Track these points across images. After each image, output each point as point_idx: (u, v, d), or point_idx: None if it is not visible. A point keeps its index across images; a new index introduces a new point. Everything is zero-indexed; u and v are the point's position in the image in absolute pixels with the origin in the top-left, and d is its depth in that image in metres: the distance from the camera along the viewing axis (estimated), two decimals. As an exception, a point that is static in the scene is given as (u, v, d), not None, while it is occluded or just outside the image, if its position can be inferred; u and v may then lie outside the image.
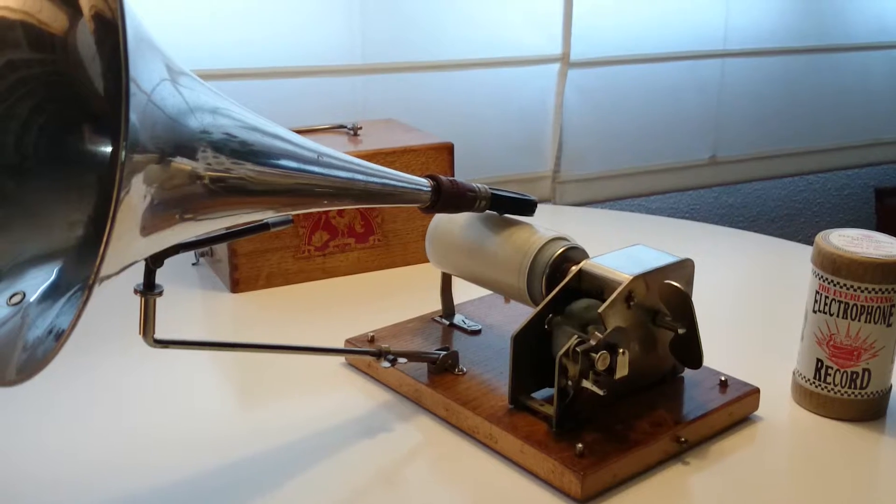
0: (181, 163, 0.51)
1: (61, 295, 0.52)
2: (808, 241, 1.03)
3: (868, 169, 2.04)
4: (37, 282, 0.54)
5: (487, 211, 0.78)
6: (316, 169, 0.62)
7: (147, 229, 0.49)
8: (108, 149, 0.58)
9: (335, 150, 0.66)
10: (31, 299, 0.53)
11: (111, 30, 0.52)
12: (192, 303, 0.98)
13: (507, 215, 0.79)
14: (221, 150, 0.54)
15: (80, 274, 0.54)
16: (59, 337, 0.47)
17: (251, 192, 0.57)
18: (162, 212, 0.50)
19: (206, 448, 0.70)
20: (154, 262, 0.58)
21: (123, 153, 0.44)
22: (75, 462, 0.68)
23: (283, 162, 0.59)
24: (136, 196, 0.47)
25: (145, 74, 0.47)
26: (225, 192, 0.55)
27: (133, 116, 0.45)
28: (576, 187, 1.58)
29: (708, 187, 1.78)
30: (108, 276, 0.47)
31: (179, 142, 0.51)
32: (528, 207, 0.79)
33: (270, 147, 0.59)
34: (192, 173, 0.52)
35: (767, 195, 1.94)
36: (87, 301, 0.44)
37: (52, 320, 0.50)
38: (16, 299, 0.53)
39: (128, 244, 0.48)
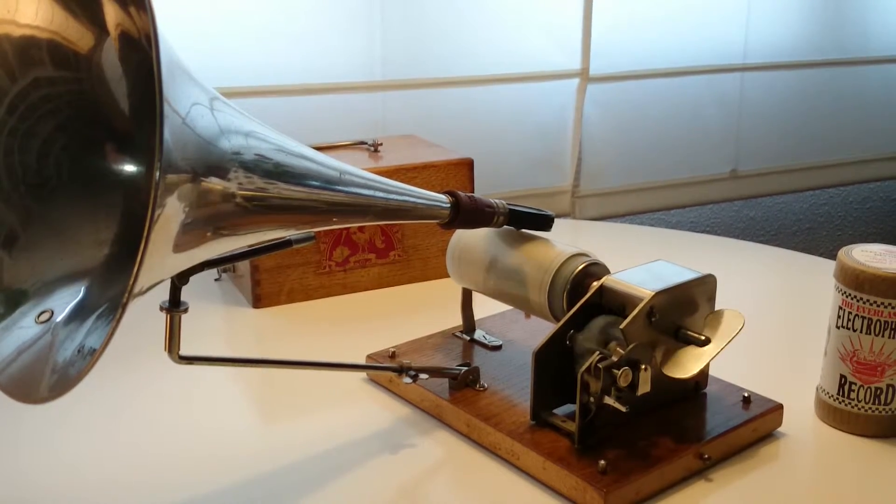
0: (213, 182, 0.51)
1: (89, 314, 0.53)
2: (830, 254, 1.02)
3: (890, 182, 2.03)
4: (64, 300, 0.55)
5: (505, 226, 0.78)
6: (339, 187, 0.63)
7: (180, 246, 0.50)
8: (133, 167, 0.58)
9: (356, 168, 0.66)
10: (59, 319, 0.54)
11: (137, 49, 0.53)
12: (214, 318, 0.99)
13: (525, 231, 0.79)
14: (252, 171, 0.55)
15: (107, 292, 0.54)
16: (90, 354, 0.48)
17: (279, 210, 0.58)
18: (193, 229, 0.51)
19: (227, 463, 0.71)
20: (180, 279, 0.58)
21: (158, 173, 0.45)
22: (96, 478, 0.69)
23: (310, 181, 0.60)
24: (169, 215, 0.48)
25: (178, 96, 0.48)
26: (254, 211, 0.56)
27: (167, 136, 0.46)
28: (595, 202, 1.58)
29: (728, 201, 1.77)
30: (139, 294, 0.48)
31: (211, 162, 0.51)
32: (545, 222, 0.80)
33: (297, 167, 0.59)
34: (223, 193, 0.52)
35: (788, 209, 1.93)
36: (120, 318, 0.45)
37: (82, 339, 0.51)
38: (44, 317, 0.54)
39: (160, 261, 0.48)
